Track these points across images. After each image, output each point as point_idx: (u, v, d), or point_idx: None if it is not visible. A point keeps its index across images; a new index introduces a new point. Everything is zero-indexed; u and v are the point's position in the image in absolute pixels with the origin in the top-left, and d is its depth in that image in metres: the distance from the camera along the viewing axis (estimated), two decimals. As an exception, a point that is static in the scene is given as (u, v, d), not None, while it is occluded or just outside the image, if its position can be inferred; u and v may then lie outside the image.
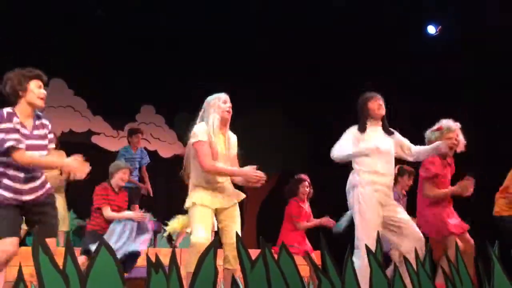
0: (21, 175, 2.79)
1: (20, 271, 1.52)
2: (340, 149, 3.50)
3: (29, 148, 2.81)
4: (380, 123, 3.60)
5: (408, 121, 6.62)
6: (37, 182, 2.87)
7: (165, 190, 7.72)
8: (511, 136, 5.99)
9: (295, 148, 7.97)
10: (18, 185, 2.77)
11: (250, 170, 3.08)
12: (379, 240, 2.34)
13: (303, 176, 5.01)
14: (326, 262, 1.97)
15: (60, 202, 5.72)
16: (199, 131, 3.13)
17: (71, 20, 6.46)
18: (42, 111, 3.11)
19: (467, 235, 3.89)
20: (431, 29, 7.03)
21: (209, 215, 3.09)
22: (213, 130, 3.13)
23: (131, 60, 7.04)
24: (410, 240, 3.34)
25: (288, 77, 7.40)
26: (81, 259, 4.04)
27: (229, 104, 3.23)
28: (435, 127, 3.87)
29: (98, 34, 6.69)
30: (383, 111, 3.56)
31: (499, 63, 5.98)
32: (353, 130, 3.57)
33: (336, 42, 6.78)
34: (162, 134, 8.20)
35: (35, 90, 2.92)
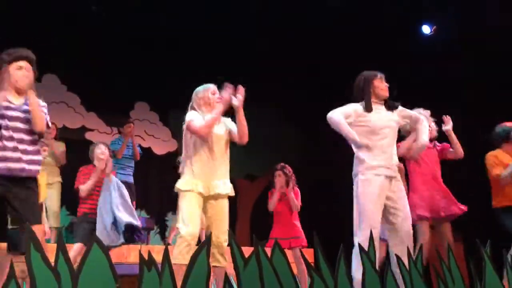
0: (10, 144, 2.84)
1: (11, 268, 1.51)
2: (340, 120, 3.28)
3: (13, 119, 2.90)
4: (383, 101, 3.42)
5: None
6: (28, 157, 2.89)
7: (158, 187, 7.72)
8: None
9: (291, 146, 7.99)
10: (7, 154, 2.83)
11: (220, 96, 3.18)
12: (371, 238, 2.35)
13: (278, 166, 4.99)
14: (319, 260, 1.98)
15: (54, 196, 5.70)
16: (189, 115, 3.20)
17: (64, 16, 6.42)
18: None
19: (445, 227, 3.93)
20: (426, 29, 7.06)
21: (200, 204, 3.09)
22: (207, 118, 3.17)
23: (125, 56, 7.01)
24: (400, 236, 3.29)
25: (286, 77, 7.40)
26: (78, 247, 4.02)
27: (217, 95, 3.27)
28: None
29: (92, 30, 6.66)
30: (387, 93, 3.40)
31: (498, 63, 6.01)
32: (356, 107, 3.37)
33: (334, 42, 6.79)
34: (156, 131, 8.18)
35: (14, 71, 2.98)
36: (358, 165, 3.33)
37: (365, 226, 3.15)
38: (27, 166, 2.88)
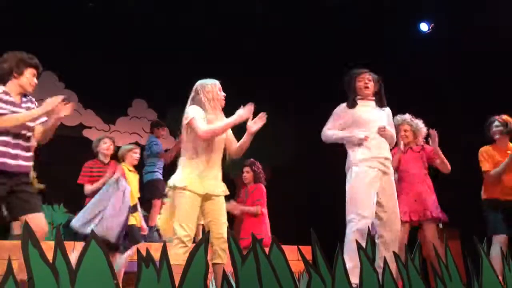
0: (9, 140, 2.92)
1: (9, 265, 1.51)
2: (328, 133, 3.49)
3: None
4: (373, 98, 3.51)
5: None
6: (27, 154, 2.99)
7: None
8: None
9: (286, 144, 7.98)
10: (7, 150, 2.91)
11: (241, 112, 3.08)
12: (369, 233, 2.35)
13: (247, 162, 4.96)
14: (317, 257, 1.98)
15: None
16: (192, 111, 3.09)
17: (62, 13, 6.40)
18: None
19: (429, 227, 3.95)
20: (424, 27, 7.06)
21: (197, 204, 3.03)
22: (211, 115, 3.11)
23: (123, 54, 7.00)
24: (388, 232, 3.31)
25: (280, 74, 7.40)
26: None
27: (223, 93, 3.23)
28: None
29: (90, 27, 6.65)
30: (369, 90, 3.48)
31: (497, 63, 6.02)
32: (340, 107, 3.52)
33: (329, 40, 6.79)
34: (153, 129, 8.18)
35: (29, 77, 3.09)
36: (352, 157, 3.38)
37: (355, 215, 3.19)
38: (24, 163, 2.94)
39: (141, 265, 1.62)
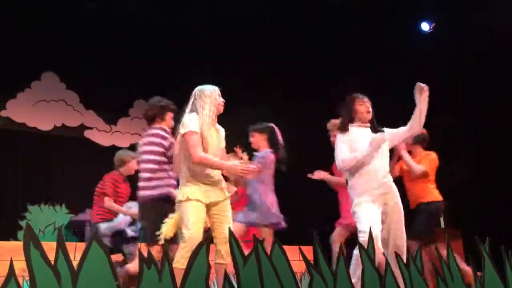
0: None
1: (11, 266, 1.51)
2: (346, 159, 3.37)
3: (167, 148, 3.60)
4: (368, 124, 3.50)
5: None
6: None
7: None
8: (504, 135, 6.03)
9: (286, 143, 7.97)
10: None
11: (237, 165, 3.10)
12: (371, 235, 2.35)
13: None
14: (319, 258, 1.98)
15: None
16: (191, 121, 3.07)
17: (63, 13, 6.40)
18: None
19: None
20: (425, 26, 7.05)
21: (202, 211, 3.06)
22: (208, 122, 3.09)
23: (124, 54, 7.00)
24: (391, 250, 3.26)
25: (280, 74, 7.40)
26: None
27: (222, 99, 3.22)
28: None
29: (91, 27, 6.65)
30: (369, 116, 3.47)
31: (496, 63, 6.02)
32: (340, 136, 3.48)
33: (329, 40, 6.79)
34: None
35: (170, 120, 3.76)
36: (353, 192, 3.40)
37: (364, 226, 3.17)
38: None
39: (143, 266, 1.62)
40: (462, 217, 6.06)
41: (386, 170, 3.41)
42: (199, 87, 3.22)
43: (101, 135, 7.72)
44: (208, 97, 3.14)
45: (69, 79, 7.45)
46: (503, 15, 5.73)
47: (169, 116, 3.73)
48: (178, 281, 1.67)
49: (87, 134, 7.65)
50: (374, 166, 3.34)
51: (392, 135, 3.53)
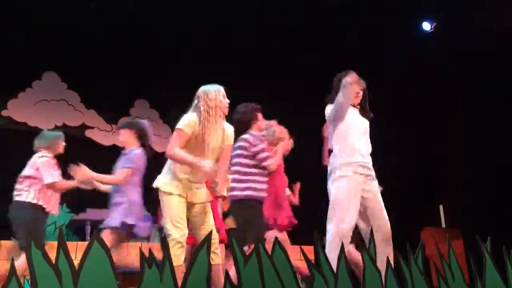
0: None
1: (12, 265, 1.52)
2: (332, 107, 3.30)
3: None
4: (358, 106, 3.43)
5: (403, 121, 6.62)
6: None
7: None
8: (502, 134, 6.03)
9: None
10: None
11: (208, 165, 2.97)
12: (372, 232, 2.35)
13: None
14: (320, 257, 1.98)
15: None
16: (186, 120, 3.04)
17: (64, 12, 6.41)
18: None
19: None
20: (426, 26, 7.04)
21: (185, 207, 3.04)
22: (208, 125, 3.03)
23: (125, 54, 7.01)
24: (378, 237, 3.22)
25: (279, 74, 7.40)
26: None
27: (227, 100, 3.16)
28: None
29: (92, 27, 6.65)
30: (357, 99, 3.40)
31: (495, 63, 6.01)
32: (327, 107, 3.42)
33: (329, 40, 6.79)
34: (156, 129, 8.16)
35: (260, 119, 3.88)
36: (335, 161, 3.30)
37: (336, 220, 3.13)
38: None
39: (144, 265, 1.63)
40: (462, 217, 6.06)
41: (369, 152, 3.35)
42: (203, 88, 3.15)
43: (102, 134, 7.72)
44: (213, 100, 3.07)
45: (70, 78, 7.45)
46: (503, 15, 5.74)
47: (260, 116, 3.85)
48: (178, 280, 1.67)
49: (88, 133, 7.65)
50: (357, 144, 3.29)
51: None
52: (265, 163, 3.67)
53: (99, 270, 1.56)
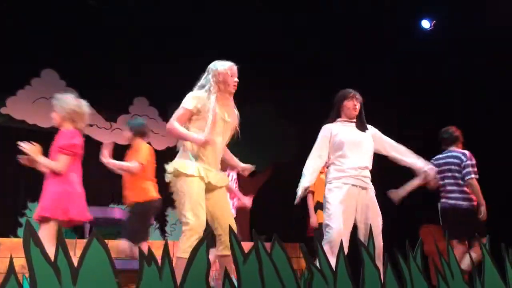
0: None
1: (11, 263, 1.51)
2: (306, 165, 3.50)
3: None
4: (355, 120, 3.53)
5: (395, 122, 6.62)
6: None
7: (157, 182, 7.71)
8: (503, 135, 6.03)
9: (286, 141, 7.99)
10: None
11: (201, 138, 2.85)
12: (371, 232, 2.35)
13: None
14: (319, 256, 1.98)
15: None
16: (191, 98, 2.96)
17: (63, 10, 6.39)
18: None
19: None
20: (425, 24, 7.03)
21: (203, 191, 2.86)
22: (214, 100, 2.92)
23: (124, 52, 6.99)
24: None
25: (279, 74, 7.39)
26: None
27: (236, 79, 3.06)
28: None
29: (91, 24, 6.64)
30: (355, 112, 3.50)
31: (494, 63, 6.00)
32: (326, 129, 3.52)
33: (329, 40, 6.79)
34: (155, 126, 8.17)
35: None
36: (328, 175, 3.44)
37: (327, 227, 3.24)
38: None
39: (143, 263, 1.62)
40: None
41: (364, 165, 3.41)
42: (214, 63, 3.09)
43: (101, 132, 7.71)
44: (221, 75, 3.00)
45: (69, 76, 7.43)
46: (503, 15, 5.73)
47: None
48: (181, 273, 1.66)
49: (87, 131, 7.64)
50: (349, 158, 3.38)
51: (383, 143, 3.57)
52: None
53: (98, 268, 1.56)
